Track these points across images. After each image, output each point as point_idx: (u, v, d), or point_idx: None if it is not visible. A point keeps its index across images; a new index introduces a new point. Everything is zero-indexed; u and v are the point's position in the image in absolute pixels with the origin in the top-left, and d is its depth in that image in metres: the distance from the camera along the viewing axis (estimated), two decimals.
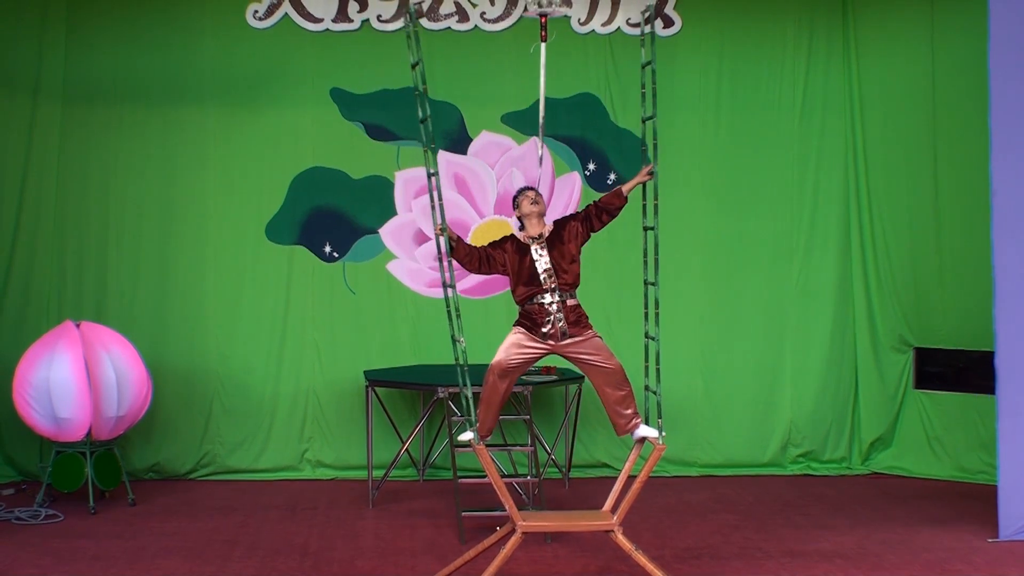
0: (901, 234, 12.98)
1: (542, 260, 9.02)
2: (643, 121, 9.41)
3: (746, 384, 13.20)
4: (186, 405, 12.78)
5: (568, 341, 8.99)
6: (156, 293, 12.84)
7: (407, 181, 13.02)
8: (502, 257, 9.09)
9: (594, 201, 9.31)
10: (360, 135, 13.04)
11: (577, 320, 9.01)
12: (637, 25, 13.12)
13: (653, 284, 9.16)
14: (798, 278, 13.27)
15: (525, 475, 11.38)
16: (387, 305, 13.10)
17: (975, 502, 11.32)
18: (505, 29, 13.07)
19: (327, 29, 12.97)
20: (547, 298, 8.96)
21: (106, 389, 11.18)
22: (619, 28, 13.13)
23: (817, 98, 13.30)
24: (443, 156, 13.03)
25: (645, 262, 9.22)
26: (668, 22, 13.19)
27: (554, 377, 11.83)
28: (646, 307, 9.19)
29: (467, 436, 9.11)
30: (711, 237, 13.15)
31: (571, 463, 12.65)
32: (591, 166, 13.14)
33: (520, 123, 13.09)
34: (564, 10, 9.70)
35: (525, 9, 9.67)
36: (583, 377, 11.92)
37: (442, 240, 8.94)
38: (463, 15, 13.05)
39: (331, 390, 12.92)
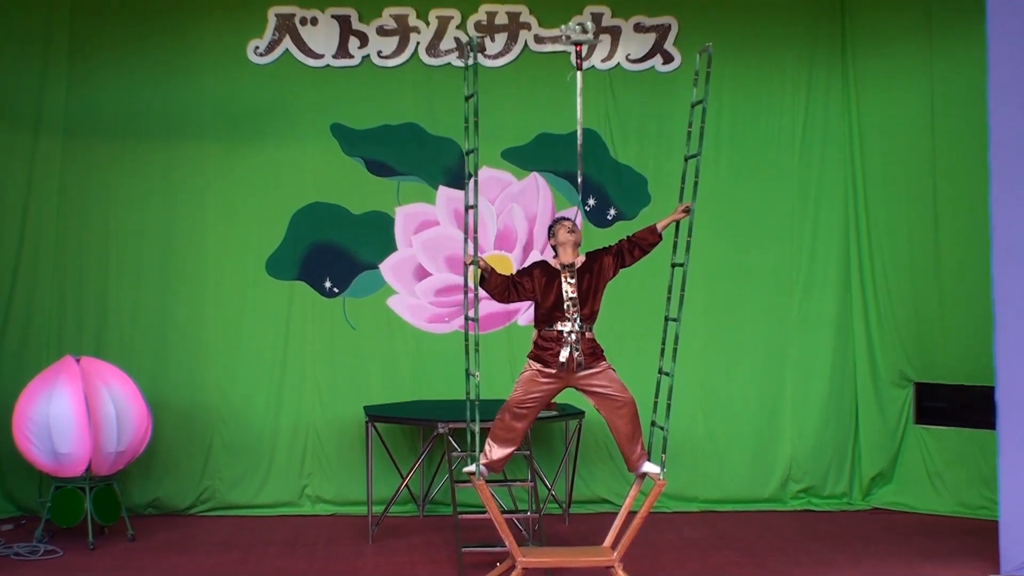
0: (901, 268, 12.98)
1: (569, 288, 9.09)
2: (686, 159, 9.50)
3: (746, 419, 13.18)
4: (186, 440, 12.76)
5: (582, 373, 9.03)
6: (156, 328, 12.83)
7: (407, 217, 13.04)
8: (530, 284, 9.20)
9: (628, 236, 9.46)
10: (360, 171, 13.07)
11: (593, 352, 9.09)
12: (637, 61, 13.17)
13: (675, 320, 9.24)
14: (798, 312, 13.26)
15: (525, 511, 11.35)
16: (387, 340, 13.08)
17: (976, 538, 11.28)
18: (505, 65, 13.11)
19: (328, 65, 13.01)
20: (567, 326, 9.03)
21: (106, 424, 11.17)
22: (619, 64, 13.17)
23: (817, 132, 13.33)
24: (443, 191, 13.06)
25: (668, 298, 9.37)
26: (668, 58, 13.23)
27: (554, 412, 11.80)
28: (663, 342, 9.27)
29: (472, 468, 9.12)
30: (711, 270, 13.14)
31: (571, 499, 12.62)
32: (591, 201, 13.16)
33: (520, 159, 13.12)
34: (597, 40, 9.82)
35: (560, 39, 9.72)
36: (583, 412, 11.93)
37: (470, 271, 9.01)
38: (463, 51, 13.09)
39: (331, 425, 12.90)
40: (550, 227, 9.49)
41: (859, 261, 13.25)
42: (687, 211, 9.36)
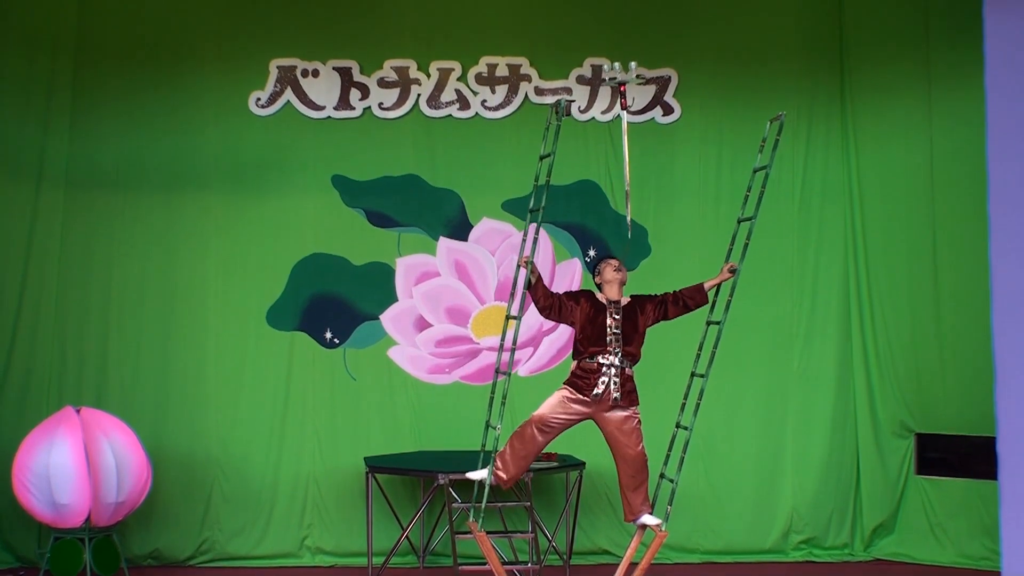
0: (901, 320, 12.99)
1: (614, 324, 9.19)
2: (739, 222, 9.72)
3: (747, 470, 13.15)
4: (186, 491, 12.72)
5: (612, 412, 9.12)
6: (157, 378, 12.82)
7: (408, 268, 13.06)
8: (576, 309, 9.35)
9: (676, 291, 9.65)
10: (361, 222, 13.10)
11: (630, 392, 9.18)
12: (637, 112, 13.22)
13: (702, 376, 9.31)
14: (799, 364, 13.26)
15: (526, 562, 11.33)
16: (388, 391, 13.07)
17: None
18: (506, 117, 13.17)
19: (329, 117, 13.07)
20: (608, 359, 9.12)
21: (105, 475, 11.15)
22: (619, 115, 13.20)
23: (816, 185, 13.38)
24: (443, 243, 13.09)
25: (699, 354, 9.45)
26: (668, 109, 13.29)
27: (555, 463, 11.79)
28: (685, 396, 9.34)
29: (480, 474, 9.17)
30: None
31: (572, 550, 12.56)
32: (591, 252, 13.18)
33: (521, 210, 13.11)
34: (639, 80, 9.96)
35: (602, 81, 9.86)
36: (584, 463, 11.91)
37: (522, 273, 9.27)
38: (464, 103, 13.15)
39: (331, 476, 12.87)
40: (596, 265, 9.72)
41: (859, 313, 13.26)
42: (733, 271, 9.50)
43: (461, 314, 12.94)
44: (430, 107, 13.13)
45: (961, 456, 12.72)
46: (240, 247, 12.99)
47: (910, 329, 12.93)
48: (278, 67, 13.05)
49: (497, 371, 9.36)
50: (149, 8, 13.00)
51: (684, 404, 9.56)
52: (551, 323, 12.14)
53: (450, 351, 12.99)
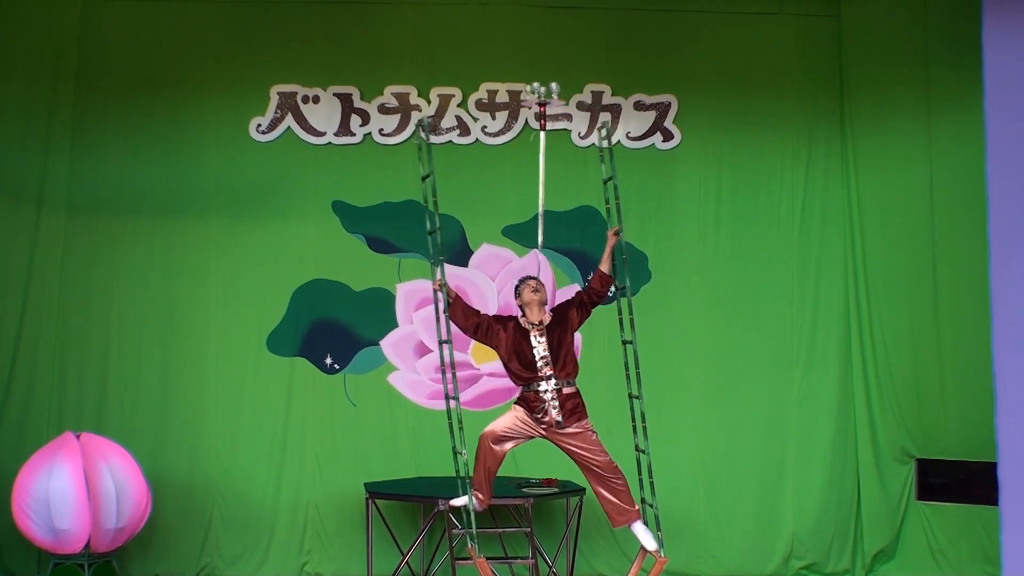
0: (902, 344, 12.98)
1: (540, 347, 9.16)
2: (604, 182, 9.55)
3: (748, 495, 13.13)
4: (185, 516, 12.70)
5: (563, 432, 9.10)
6: (157, 404, 12.82)
7: (408, 293, 13.06)
8: (500, 333, 9.28)
9: (585, 285, 9.65)
10: (361, 247, 13.11)
11: (573, 410, 9.15)
12: (637, 138, 13.25)
13: (638, 397, 9.28)
14: (799, 389, 13.25)
15: None
16: (388, 417, 13.07)
17: None
18: (506, 143, 13.19)
19: (329, 142, 13.09)
20: (543, 386, 9.11)
21: (105, 500, 11.13)
22: (619, 141, 13.22)
23: (816, 209, 13.39)
24: (444, 268, 13.07)
25: (627, 375, 9.38)
26: (667, 135, 13.31)
27: (555, 489, 11.77)
28: (633, 420, 9.32)
29: (460, 501, 9.17)
30: (711, 347, 13.17)
31: None
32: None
33: (521, 236, 13.15)
34: (562, 103, 9.96)
35: (522, 103, 9.86)
36: (584, 489, 11.89)
37: (441, 301, 9.31)
38: (464, 129, 13.18)
39: (331, 502, 12.85)
40: (516, 286, 9.64)
41: (859, 338, 13.25)
42: (617, 233, 9.44)
43: (461, 340, 12.86)
44: (432, 133, 13.15)
45: (962, 482, 12.69)
46: (240, 273, 13.00)
47: (911, 354, 12.92)
48: (279, 93, 13.08)
49: (447, 397, 9.37)
50: (150, 34, 13.04)
51: (634, 427, 9.55)
52: None
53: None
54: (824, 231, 13.38)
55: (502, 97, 13.20)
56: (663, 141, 13.32)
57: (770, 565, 13.04)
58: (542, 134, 10.21)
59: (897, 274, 13.02)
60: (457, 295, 9.44)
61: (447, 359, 9.38)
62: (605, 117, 13.15)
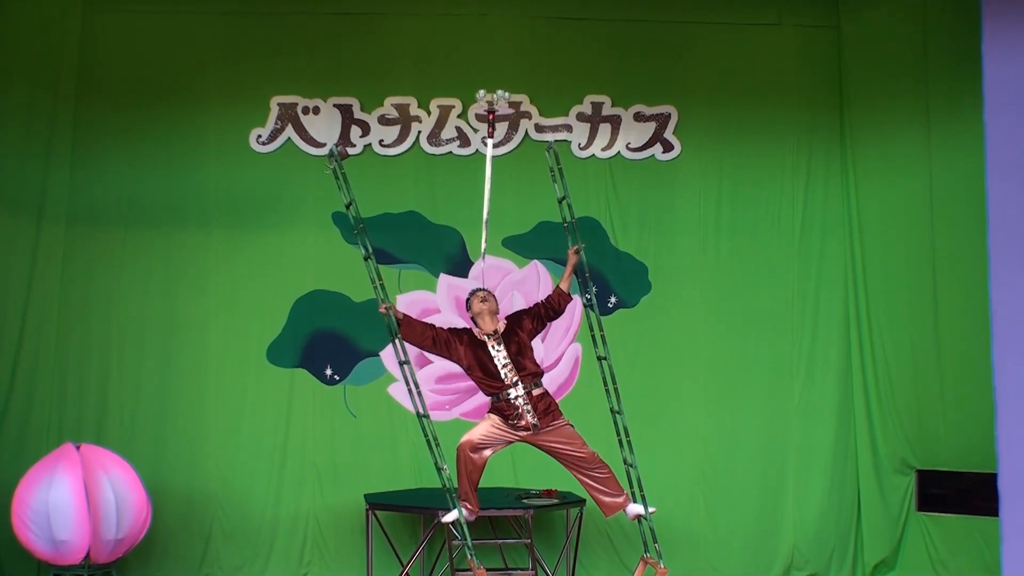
0: (902, 355, 12.98)
1: (500, 355, 9.20)
2: (560, 201, 9.67)
3: (748, 506, 13.12)
4: (185, 528, 12.70)
5: (540, 433, 9.13)
6: (157, 415, 12.83)
7: (408, 304, 13.05)
8: (457, 348, 9.31)
9: (543, 299, 9.66)
10: (362, 259, 13.07)
11: (546, 409, 9.19)
12: (637, 149, 13.26)
13: (619, 413, 9.32)
14: (799, 399, 13.25)
15: None
16: (388, 428, 13.07)
17: None
18: (506, 154, 13.19)
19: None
20: (512, 393, 9.15)
21: (105, 512, 11.13)
22: (619, 152, 13.25)
23: (816, 219, 13.40)
24: (444, 279, 13.11)
25: (607, 391, 9.41)
26: (668, 146, 13.32)
27: (555, 500, 11.77)
28: (618, 434, 9.35)
29: (451, 516, 9.19)
30: (711, 358, 13.17)
31: None
32: (593, 289, 13.16)
33: (521, 246, 13.17)
34: (509, 110, 9.97)
35: (480, 103, 9.86)
36: (584, 501, 11.88)
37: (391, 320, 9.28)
38: (464, 140, 13.19)
39: (331, 513, 12.85)
40: (466, 300, 9.69)
41: (859, 348, 13.25)
42: (577, 252, 9.49)
43: None
44: (430, 144, 13.17)
45: (962, 493, 12.68)
46: (240, 284, 13.02)
47: (911, 365, 12.91)
48: (279, 104, 13.10)
49: (418, 415, 9.39)
50: (150, 45, 13.07)
51: (620, 441, 9.57)
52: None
53: (450, 388, 12.98)
54: (824, 241, 13.39)
55: (501, 110, 13.19)
56: (663, 152, 13.33)
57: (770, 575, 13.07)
58: (489, 141, 10.22)
59: (897, 284, 13.02)
60: (405, 314, 9.47)
61: (410, 379, 9.35)
62: (604, 128, 13.19)
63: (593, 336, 9.74)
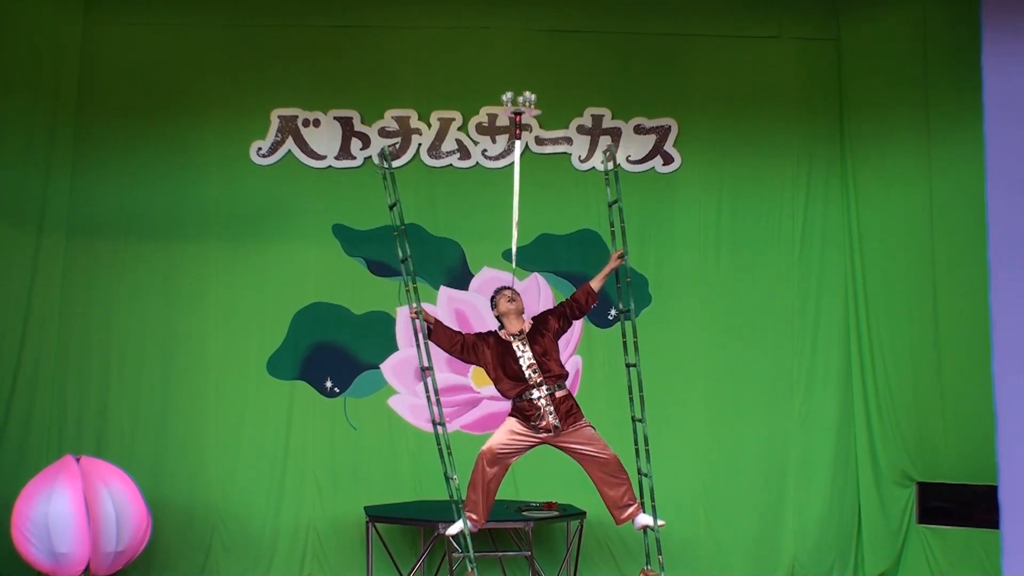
0: (902, 367, 12.97)
1: (525, 356, 9.18)
2: (609, 206, 9.52)
3: (748, 518, 13.10)
4: (185, 540, 12.68)
5: (561, 435, 9.10)
6: (157, 427, 12.82)
7: (408, 317, 12.98)
8: (484, 351, 9.29)
9: (569, 297, 9.64)
10: (362, 271, 13.12)
11: (569, 412, 9.16)
12: (637, 162, 13.26)
13: (641, 421, 9.28)
14: (799, 412, 13.24)
15: None
16: (388, 440, 13.06)
17: None
18: (506, 166, 13.18)
19: (330, 166, 13.12)
20: (535, 393, 9.13)
21: (105, 524, 11.11)
22: (619, 165, 13.24)
23: (816, 232, 13.40)
24: (444, 292, 13.11)
25: (631, 399, 9.38)
26: (668, 159, 13.32)
27: (555, 513, 11.76)
28: (636, 443, 9.31)
29: (455, 528, 9.17)
30: (712, 370, 13.17)
31: None
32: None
33: (522, 259, 13.12)
34: (536, 111, 9.95)
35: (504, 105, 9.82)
36: (585, 513, 11.87)
37: (419, 326, 9.32)
38: (465, 152, 13.20)
39: (331, 525, 12.83)
40: (492, 298, 9.68)
41: (860, 360, 13.25)
42: (621, 257, 9.46)
43: (461, 363, 12.90)
44: (431, 156, 13.18)
45: (963, 505, 12.66)
46: (240, 296, 13.02)
47: (911, 377, 12.90)
48: (279, 116, 13.11)
49: (434, 423, 9.38)
50: (151, 57, 13.09)
51: (637, 450, 9.56)
52: None
53: (451, 400, 12.97)
54: (824, 253, 13.39)
55: (502, 121, 13.22)
56: (663, 164, 13.34)
57: None
58: (517, 143, 10.22)
59: (897, 296, 13.02)
60: (436, 319, 9.46)
61: (431, 386, 9.35)
62: (606, 140, 13.19)
63: (625, 343, 9.72)
